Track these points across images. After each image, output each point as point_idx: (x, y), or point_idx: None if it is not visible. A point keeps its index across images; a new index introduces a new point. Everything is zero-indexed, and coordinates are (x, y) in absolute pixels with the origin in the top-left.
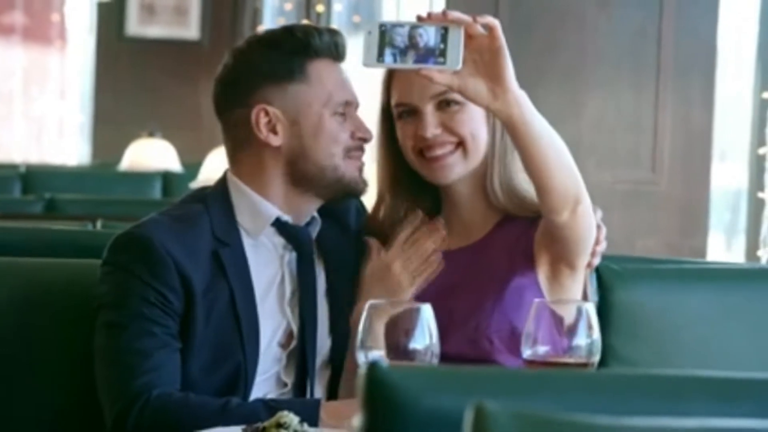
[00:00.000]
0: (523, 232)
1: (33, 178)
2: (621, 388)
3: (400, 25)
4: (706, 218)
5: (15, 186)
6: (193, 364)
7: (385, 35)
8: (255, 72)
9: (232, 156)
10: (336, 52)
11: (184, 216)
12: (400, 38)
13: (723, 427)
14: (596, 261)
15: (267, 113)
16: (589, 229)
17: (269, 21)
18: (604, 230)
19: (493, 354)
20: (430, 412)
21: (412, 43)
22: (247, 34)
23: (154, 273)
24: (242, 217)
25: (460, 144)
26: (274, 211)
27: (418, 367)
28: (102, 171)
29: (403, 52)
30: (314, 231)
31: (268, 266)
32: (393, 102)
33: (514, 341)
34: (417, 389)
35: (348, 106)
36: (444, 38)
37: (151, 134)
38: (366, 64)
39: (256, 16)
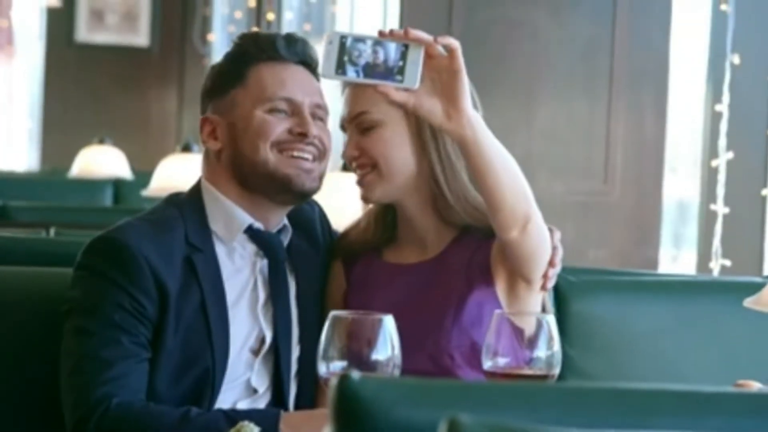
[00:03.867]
0: (479, 246)
1: None
2: (593, 401)
3: (361, 39)
4: (657, 229)
5: None
6: (162, 370)
7: (344, 47)
8: (206, 86)
9: (203, 164)
10: (278, 54)
11: (159, 221)
12: (360, 52)
13: None
14: (550, 284)
15: (211, 122)
16: (540, 246)
17: (219, 29)
18: (560, 252)
19: (454, 369)
20: (401, 424)
21: (371, 58)
22: (197, 41)
23: (130, 278)
24: (215, 224)
25: (375, 166)
26: (246, 218)
27: (390, 379)
28: (53, 178)
29: (361, 67)
30: (286, 239)
31: (240, 272)
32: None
33: (474, 356)
34: (389, 402)
35: (290, 104)
36: (404, 56)
37: (101, 141)
38: (324, 75)
39: (206, 24)
